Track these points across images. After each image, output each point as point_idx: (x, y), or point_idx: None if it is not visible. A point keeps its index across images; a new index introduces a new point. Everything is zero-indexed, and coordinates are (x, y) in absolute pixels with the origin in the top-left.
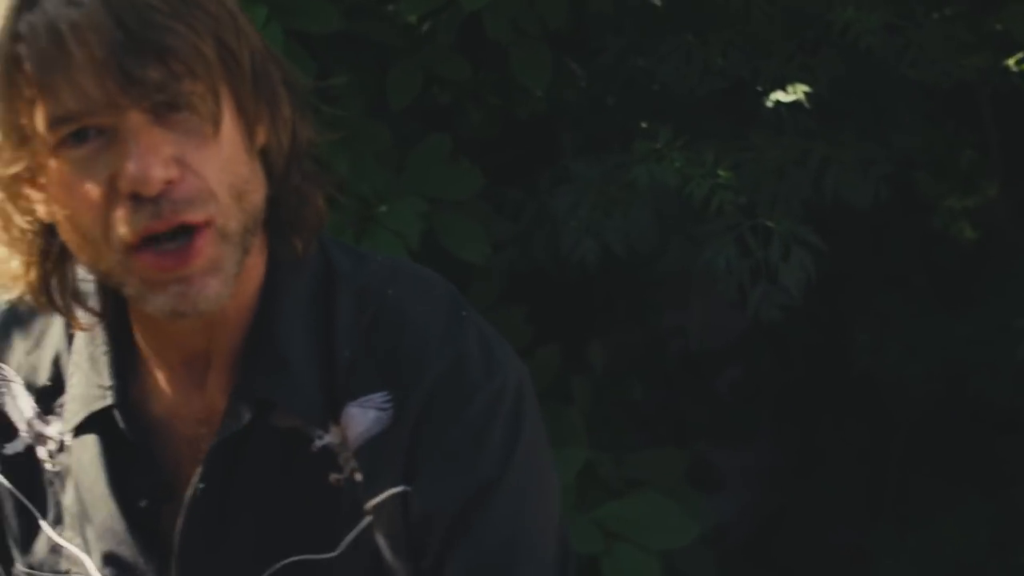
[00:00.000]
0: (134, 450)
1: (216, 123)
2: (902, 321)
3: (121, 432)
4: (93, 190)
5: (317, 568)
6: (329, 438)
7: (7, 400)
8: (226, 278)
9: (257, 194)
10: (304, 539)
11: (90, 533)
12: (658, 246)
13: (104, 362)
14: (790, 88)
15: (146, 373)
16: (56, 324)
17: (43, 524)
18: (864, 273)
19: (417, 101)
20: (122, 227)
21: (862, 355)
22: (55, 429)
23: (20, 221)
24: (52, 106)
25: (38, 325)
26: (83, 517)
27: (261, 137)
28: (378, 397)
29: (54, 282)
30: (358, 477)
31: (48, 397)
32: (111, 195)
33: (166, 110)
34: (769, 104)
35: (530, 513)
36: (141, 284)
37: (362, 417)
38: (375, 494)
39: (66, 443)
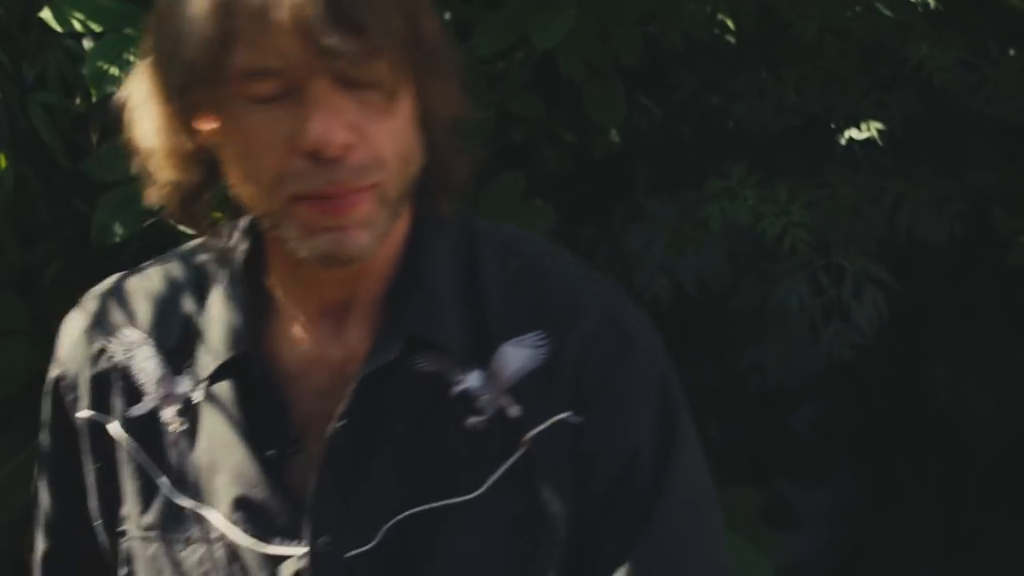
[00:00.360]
0: (266, 398)
1: (395, 99)
2: (979, 357)
3: (253, 381)
4: (274, 142)
5: (453, 513)
6: (470, 381)
7: (134, 363)
8: (375, 235)
9: (416, 164)
10: (440, 485)
11: (220, 480)
12: (731, 284)
13: (239, 313)
14: (864, 125)
15: (281, 324)
16: (188, 287)
17: (162, 485)
18: (942, 309)
19: (490, 139)
20: (296, 183)
21: (939, 392)
22: (184, 387)
23: (183, 139)
24: (252, 58)
25: (168, 289)
26: (212, 468)
27: (423, 106)
28: (532, 337)
29: (198, 200)
30: (513, 412)
31: (178, 357)
32: (289, 150)
33: (351, 81)
34: (843, 141)
35: (704, 483)
36: (299, 228)
37: (517, 354)
38: (535, 424)
39: (193, 401)
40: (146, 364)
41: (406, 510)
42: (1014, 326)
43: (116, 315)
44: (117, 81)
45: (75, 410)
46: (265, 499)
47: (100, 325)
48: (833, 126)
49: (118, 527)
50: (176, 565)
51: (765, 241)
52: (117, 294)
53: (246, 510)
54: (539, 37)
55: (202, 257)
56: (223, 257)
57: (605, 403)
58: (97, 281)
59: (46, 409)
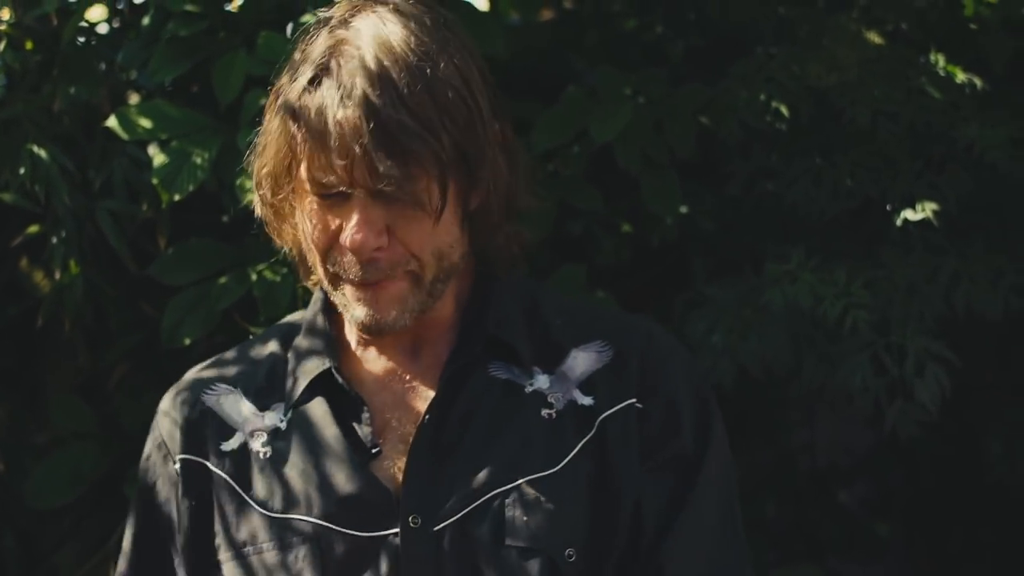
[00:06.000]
0: (352, 408)
1: (434, 209)
2: None
3: (340, 394)
4: (326, 230)
5: (536, 486)
6: (540, 383)
7: (223, 408)
8: (406, 309)
9: (457, 253)
10: (522, 465)
11: (316, 486)
12: (793, 366)
13: (324, 344)
14: (919, 206)
15: (355, 357)
16: (271, 346)
17: (254, 503)
18: (991, 385)
19: (550, 231)
20: (337, 267)
21: (996, 465)
22: (270, 421)
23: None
24: (312, 170)
25: (253, 351)
26: (306, 478)
27: (474, 203)
28: (595, 344)
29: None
30: (585, 401)
31: (264, 397)
32: (335, 238)
33: (389, 195)
34: (898, 223)
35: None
36: (344, 297)
37: (586, 357)
38: (609, 407)
39: (280, 429)
40: (234, 407)
41: (493, 488)
42: None
43: (207, 377)
44: (185, 187)
45: (169, 463)
46: (362, 492)
47: (193, 387)
48: (888, 208)
49: (210, 560)
50: (271, 569)
51: (826, 323)
52: (206, 366)
53: (346, 504)
54: (597, 131)
55: (283, 327)
56: (301, 321)
57: (662, 393)
58: (165, 383)
59: (142, 482)
